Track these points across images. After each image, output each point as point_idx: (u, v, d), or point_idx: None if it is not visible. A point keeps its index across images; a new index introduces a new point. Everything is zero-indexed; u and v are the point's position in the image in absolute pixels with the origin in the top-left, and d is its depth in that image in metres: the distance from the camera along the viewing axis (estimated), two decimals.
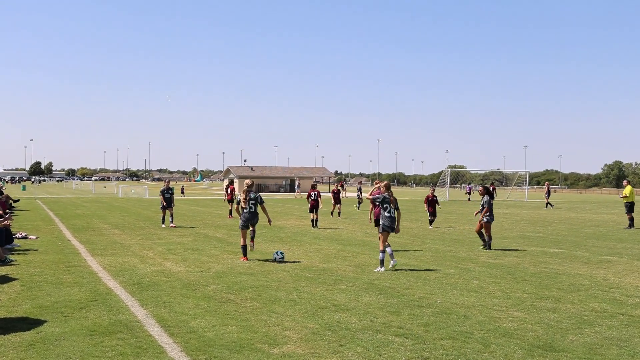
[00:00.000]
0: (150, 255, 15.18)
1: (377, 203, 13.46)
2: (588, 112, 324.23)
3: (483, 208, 17.53)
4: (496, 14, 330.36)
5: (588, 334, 7.98)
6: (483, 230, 17.57)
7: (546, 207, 47.03)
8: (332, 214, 31.42)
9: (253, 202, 14.57)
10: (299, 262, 14.31)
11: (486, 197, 17.62)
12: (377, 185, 14.37)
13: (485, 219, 17.39)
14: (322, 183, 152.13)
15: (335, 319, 8.62)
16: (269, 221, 15.07)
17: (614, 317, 8.98)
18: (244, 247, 14.61)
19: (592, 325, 8.50)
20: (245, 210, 14.56)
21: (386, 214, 13.24)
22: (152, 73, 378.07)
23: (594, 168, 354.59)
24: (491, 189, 50.12)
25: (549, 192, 49.86)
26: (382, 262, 13.12)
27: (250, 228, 14.68)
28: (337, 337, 7.67)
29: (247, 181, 14.80)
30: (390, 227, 13.21)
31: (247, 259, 14.45)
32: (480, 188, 18.06)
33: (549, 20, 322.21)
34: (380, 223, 13.33)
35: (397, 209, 13.34)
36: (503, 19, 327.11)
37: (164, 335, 7.65)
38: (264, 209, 14.64)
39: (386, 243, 13.22)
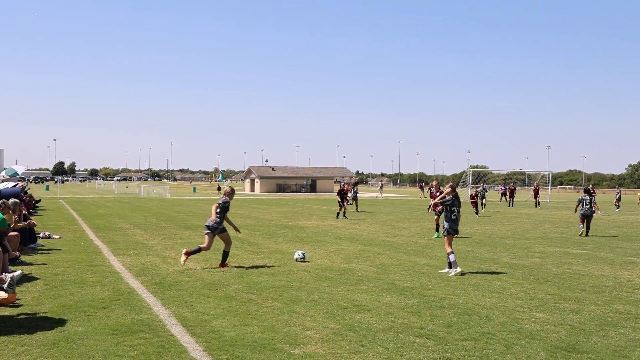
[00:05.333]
0: (172, 255, 15.26)
1: (447, 205, 13.22)
2: (612, 112, 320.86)
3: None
4: (520, 13, 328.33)
5: (612, 336, 7.90)
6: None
7: (536, 206, 48.65)
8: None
9: None
10: (320, 262, 14.30)
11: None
12: (448, 186, 13.62)
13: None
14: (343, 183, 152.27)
15: (357, 319, 8.61)
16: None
17: (639, 319, 8.88)
18: None
19: (616, 326, 8.41)
20: None
21: (452, 216, 13.17)
22: (174, 73, 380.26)
23: (618, 168, 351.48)
24: (510, 188, 50.44)
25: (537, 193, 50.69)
26: (454, 264, 12.79)
27: None
28: (359, 337, 7.65)
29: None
30: (456, 230, 13.18)
31: None
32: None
33: (571, 19, 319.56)
34: (446, 226, 13.19)
35: (459, 211, 13.35)
36: (526, 18, 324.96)
37: (185, 334, 7.68)
38: None
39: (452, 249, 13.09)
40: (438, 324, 8.37)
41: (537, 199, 49.07)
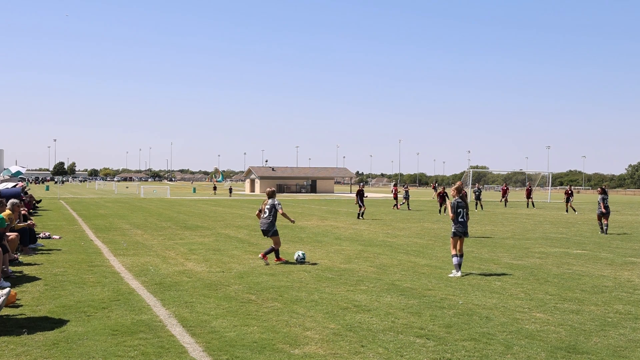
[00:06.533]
0: (172, 256, 15.25)
1: (453, 207, 12.86)
2: (612, 112, 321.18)
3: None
4: (520, 13, 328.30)
5: (612, 336, 7.90)
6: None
7: (528, 206, 48.81)
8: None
9: None
10: (320, 262, 14.30)
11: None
12: (454, 188, 13.48)
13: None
14: (343, 183, 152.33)
15: (357, 319, 8.60)
16: None
17: (639, 319, 8.87)
18: None
19: (616, 327, 8.41)
20: None
21: (459, 218, 12.79)
22: (174, 74, 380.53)
23: (618, 169, 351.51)
24: (503, 189, 50.91)
25: (530, 193, 50.67)
26: (457, 267, 12.61)
27: None
28: (359, 337, 7.65)
29: None
30: (464, 232, 12.82)
31: None
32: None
33: (571, 19, 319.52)
34: (453, 229, 12.84)
35: (467, 212, 13.00)
36: (526, 18, 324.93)
37: (185, 335, 7.68)
38: None
39: (460, 251, 12.75)
40: (438, 325, 8.36)
41: (530, 199, 48.87)
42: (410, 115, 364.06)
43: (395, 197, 42.81)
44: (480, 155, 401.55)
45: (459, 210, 12.85)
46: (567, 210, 40.79)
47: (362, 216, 30.99)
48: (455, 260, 12.69)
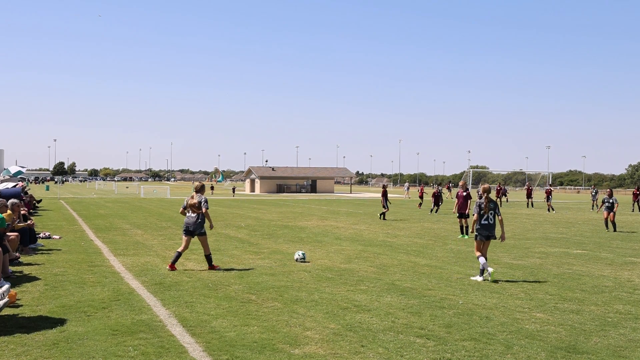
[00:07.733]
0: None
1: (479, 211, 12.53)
2: (612, 112, 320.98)
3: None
4: (520, 13, 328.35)
5: (612, 336, 7.90)
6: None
7: (528, 206, 49.31)
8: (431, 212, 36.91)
9: None
10: (320, 262, 14.29)
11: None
12: (482, 190, 13.08)
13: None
14: (343, 183, 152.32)
15: (357, 319, 8.60)
16: None
17: (639, 319, 8.87)
18: None
19: (617, 327, 8.41)
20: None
21: (482, 221, 12.49)
22: (174, 73, 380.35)
23: (618, 169, 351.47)
24: (498, 189, 51.31)
25: (503, 192, 52.17)
26: (482, 272, 12.15)
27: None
28: (359, 337, 7.65)
29: None
30: (487, 235, 12.46)
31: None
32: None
33: (570, 19, 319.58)
34: (476, 231, 12.55)
35: (499, 214, 12.66)
36: (526, 18, 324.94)
37: (185, 335, 7.67)
38: None
39: (481, 253, 12.31)
40: (438, 324, 8.36)
41: (530, 199, 49.16)
42: (410, 115, 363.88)
43: (421, 197, 43.76)
44: (480, 155, 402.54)
45: (481, 212, 12.49)
46: (549, 209, 41.90)
47: (384, 217, 30.79)
48: (482, 260, 12.21)
